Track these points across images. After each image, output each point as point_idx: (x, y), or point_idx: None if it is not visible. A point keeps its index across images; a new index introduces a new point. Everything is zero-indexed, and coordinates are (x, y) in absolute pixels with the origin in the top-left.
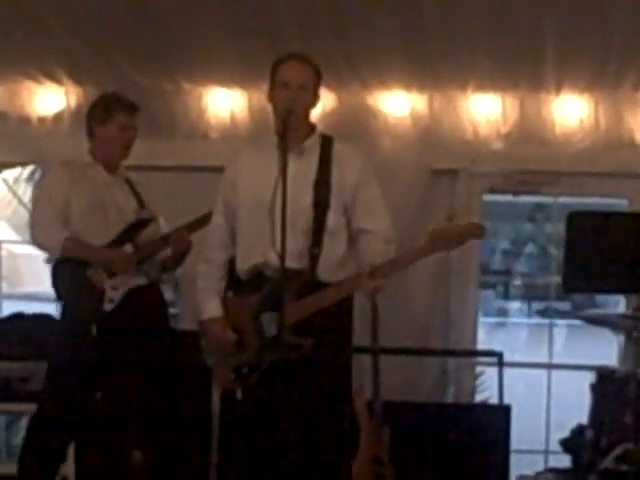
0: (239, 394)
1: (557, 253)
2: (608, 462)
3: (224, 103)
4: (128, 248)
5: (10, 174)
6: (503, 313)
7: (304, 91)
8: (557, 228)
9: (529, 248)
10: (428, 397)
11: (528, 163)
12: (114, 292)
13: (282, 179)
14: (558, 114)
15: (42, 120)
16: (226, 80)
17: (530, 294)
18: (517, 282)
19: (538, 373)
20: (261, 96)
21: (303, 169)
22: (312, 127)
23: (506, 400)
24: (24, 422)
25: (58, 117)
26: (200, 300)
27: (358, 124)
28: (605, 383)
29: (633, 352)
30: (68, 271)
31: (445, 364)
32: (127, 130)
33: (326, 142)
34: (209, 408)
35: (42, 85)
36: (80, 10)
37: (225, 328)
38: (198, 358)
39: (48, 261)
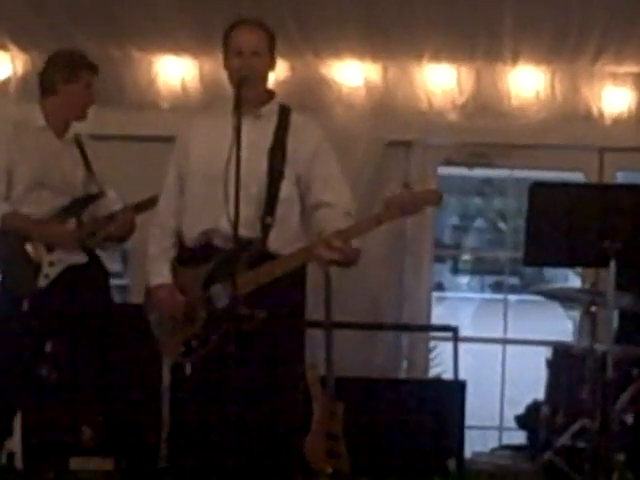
0: (188, 369)
1: (506, 228)
2: (565, 439)
3: (175, 72)
4: (71, 223)
5: None
6: (453, 288)
7: (258, 57)
8: (507, 203)
9: (478, 223)
10: (381, 373)
11: (483, 135)
12: (50, 268)
13: (236, 144)
14: (514, 85)
15: None
16: (177, 48)
17: (480, 268)
18: (466, 257)
19: (490, 348)
20: (213, 65)
21: (258, 136)
22: (270, 94)
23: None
24: None
25: (4, 84)
26: (150, 266)
27: (311, 94)
28: (561, 359)
29: (590, 327)
30: (6, 241)
31: (398, 339)
32: (91, 89)
33: (284, 111)
34: (159, 382)
35: None
36: None
37: (174, 294)
38: (147, 331)
39: None
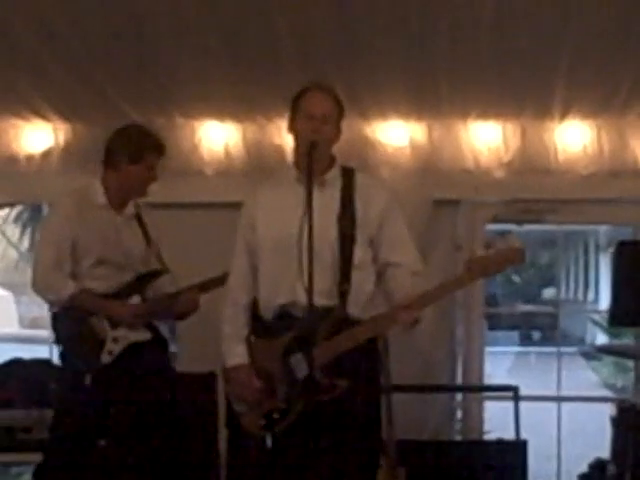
0: (269, 441)
1: (519, 280)
2: None
3: (218, 137)
4: (135, 299)
5: None
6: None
7: (327, 124)
8: None
9: None
10: (434, 434)
11: (531, 191)
12: (114, 344)
13: (308, 213)
14: (560, 141)
15: (30, 158)
16: (220, 113)
17: (507, 322)
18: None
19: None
20: (256, 129)
21: (326, 202)
22: (332, 159)
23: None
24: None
25: (46, 155)
26: (225, 346)
27: (357, 155)
28: (627, 416)
29: None
30: (72, 317)
31: (452, 400)
32: (153, 171)
33: (347, 174)
34: (215, 452)
35: (29, 122)
36: (69, 43)
37: (251, 375)
38: (199, 401)
39: (51, 308)
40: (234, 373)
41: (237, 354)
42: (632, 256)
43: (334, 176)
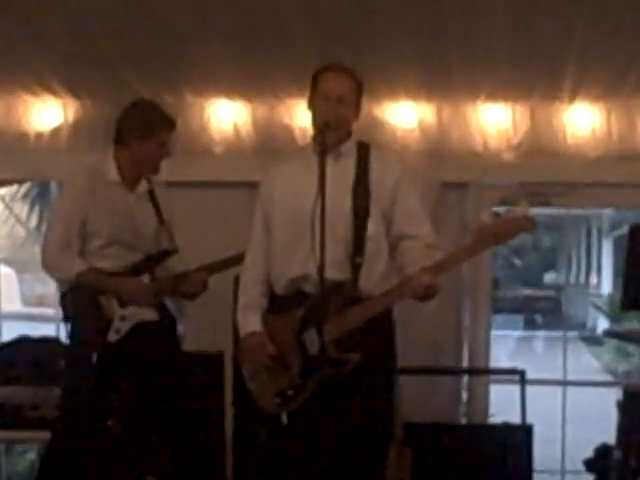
0: (284, 418)
1: (521, 264)
2: None
3: (227, 116)
4: (145, 278)
5: (7, 191)
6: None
7: (343, 104)
8: (522, 238)
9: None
10: (439, 417)
11: (540, 174)
12: (122, 323)
13: (321, 192)
14: (570, 123)
15: (39, 135)
16: (229, 92)
17: (511, 306)
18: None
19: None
20: (265, 109)
21: (341, 174)
22: (349, 133)
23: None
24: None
25: (55, 132)
26: (240, 316)
27: (365, 136)
28: (633, 400)
29: None
30: (79, 295)
31: (458, 383)
32: (166, 146)
33: (362, 148)
34: (221, 431)
35: (39, 99)
36: (79, 19)
37: (265, 341)
38: (206, 380)
39: (60, 287)
40: (249, 340)
41: (251, 322)
42: None
43: (349, 149)
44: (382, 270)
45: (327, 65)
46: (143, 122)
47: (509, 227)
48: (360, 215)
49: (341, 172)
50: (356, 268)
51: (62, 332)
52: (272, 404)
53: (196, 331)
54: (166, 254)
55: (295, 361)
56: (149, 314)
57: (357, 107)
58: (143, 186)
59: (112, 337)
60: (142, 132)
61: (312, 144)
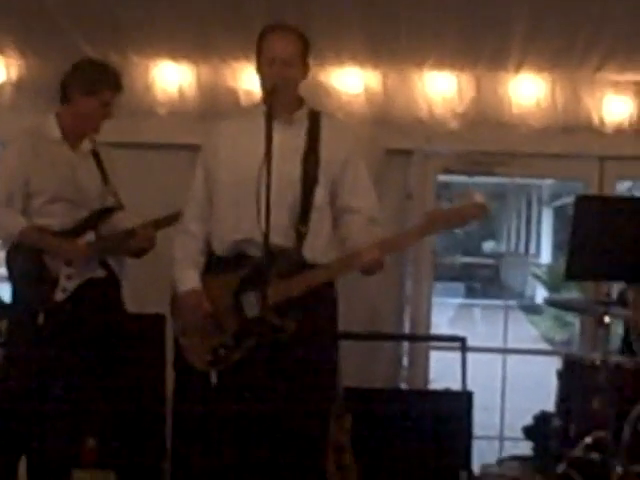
0: (214, 377)
1: (460, 232)
2: (578, 451)
3: (172, 78)
4: (90, 236)
5: None
6: None
7: (290, 66)
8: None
9: None
10: (379, 382)
11: (484, 143)
12: (68, 281)
13: (267, 157)
14: (514, 93)
15: None
16: (174, 53)
17: (449, 274)
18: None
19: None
20: (210, 71)
21: (291, 142)
22: (300, 100)
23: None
24: None
25: None
26: (176, 272)
27: (310, 101)
28: (573, 370)
29: (604, 338)
30: (23, 254)
31: (399, 349)
32: (108, 107)
33: (314, 116)
34: (161, 393)
35: None
36: None
37: (202, 300)
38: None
39: (3, 245)
40: (186, 298)
41: (189, 278)
42: (589, 210)
43: (301, 117)
44: (326, 240)
45: (271, 26)
46: (88, 79)
47: (461, 214)
48: (308, 184)
49: (292, 139)
50: (301, 236)
51: (2, 291)
52: (202, 361)
53: (136, 292)
54: (111, 210)
55: (231, 322)
56: (95, 272)
57: (304, 67)
58: (86, 145)
59: (59, 296)
60: (86, 89)
61: (261, 106)
